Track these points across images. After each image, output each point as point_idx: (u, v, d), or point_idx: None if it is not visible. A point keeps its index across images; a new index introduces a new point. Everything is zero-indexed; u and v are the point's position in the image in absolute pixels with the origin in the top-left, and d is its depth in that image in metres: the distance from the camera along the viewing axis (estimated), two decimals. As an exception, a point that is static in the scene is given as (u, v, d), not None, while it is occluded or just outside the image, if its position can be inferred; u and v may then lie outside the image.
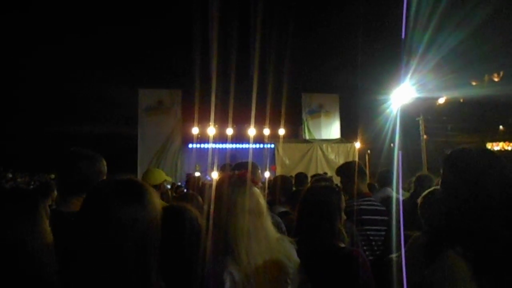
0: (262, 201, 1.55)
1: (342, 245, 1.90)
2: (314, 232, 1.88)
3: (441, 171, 1.46)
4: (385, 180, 4.04)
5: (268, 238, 1.50)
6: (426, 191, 2.18)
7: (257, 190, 1.56)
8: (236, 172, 1.67)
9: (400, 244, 1.87)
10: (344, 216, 2.00)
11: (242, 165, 3.59)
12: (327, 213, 1.90)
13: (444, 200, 1.44)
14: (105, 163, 1.87)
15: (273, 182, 3.44)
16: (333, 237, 1.87)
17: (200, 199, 2.62)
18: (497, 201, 1.27)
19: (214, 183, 1.62)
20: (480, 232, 1.24)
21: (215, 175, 7.75)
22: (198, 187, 3.79)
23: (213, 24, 9.12)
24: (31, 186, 9.75)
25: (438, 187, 2.13)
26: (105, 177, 1.88)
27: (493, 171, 1.33)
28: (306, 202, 1.99)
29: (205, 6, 8.93)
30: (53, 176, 12.00)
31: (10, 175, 12.64)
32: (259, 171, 2.79)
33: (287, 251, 1.56)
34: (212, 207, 1.52)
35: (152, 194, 1.16)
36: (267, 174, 10.21)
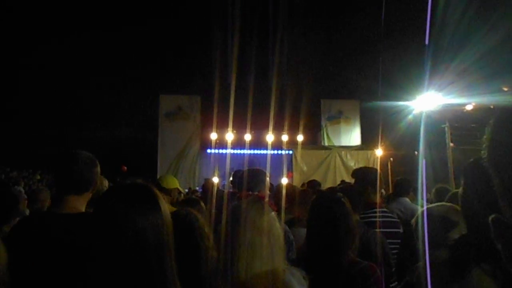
0: (277, 225, 1.49)
1: (357, 259, 1.81)
2: (323, 247, 1.80)
3: (461, 181, 1.36)
4: (401, 189, 3.79)
5: (274, 264, 1.42)
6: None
7: (273, 215, 1.50)
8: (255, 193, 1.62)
9: (417, 259, 1.74)
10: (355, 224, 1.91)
11: (240, 173, 3.53)
12: (333, 226, 1.82)
13: (464, 212, 1.34)
14: (99, 166, 1.86)
15: (276, 190, 3.35)
16: (344, 250, 1.79)
17: (203, 204, 2.61)
18: None
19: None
20: (505, 249, 1.11)
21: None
22: (212, 192, 3.76)
23: (232, 31, 9.14)
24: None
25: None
26: (98, 180, 1.88)
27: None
28: (312, 215, 1.93)
29: (225, 13, 8.97)
30: (38, 177, 12.25)
31: (39, 177, 13.00)
32: (265, 179, 2.73)
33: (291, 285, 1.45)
34: (224, 221, 1.48)
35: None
36: (284, 181, 10.06)
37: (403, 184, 3.83)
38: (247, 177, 2.68)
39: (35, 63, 13.46)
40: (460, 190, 1.38)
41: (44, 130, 15.00)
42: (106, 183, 2.98)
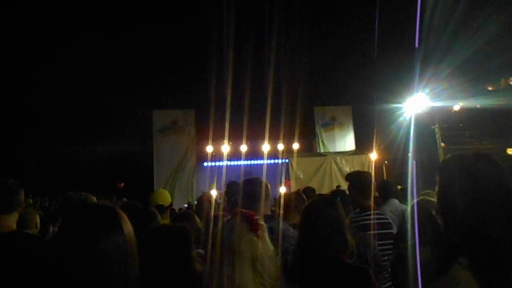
0: (258, 246, 1.50)
1: (348, 260, 1.84)
2: (314, 247, 1.83)
3: (437, 178, 1.38)
4: (389, 191, 3.90)
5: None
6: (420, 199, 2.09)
7: (254, 238, 1.51)
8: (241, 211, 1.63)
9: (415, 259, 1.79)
10: (346, 227, 1.93)
11: (234, 185, 3.57)
12: (324, 226, 1.85)
13: (440, 210, 1.36)
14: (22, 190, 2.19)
15: (287, 198, 3.42)
16: (334, 251, 1.82)
17: (197, 219, 2.63)
18: (494, 208, 1.20)
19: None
20: (480, 242, 1.17)
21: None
22: (209, 206, 3.78)
23: (225, 42, 9.28)
24: (52, 208, 9.87)
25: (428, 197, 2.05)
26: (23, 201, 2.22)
27: (488, 175, 1.25)
28: (303, 218, 1.97)
29: (218, 23, 9.11)
30: (30, 201, 12.06)
31: (30, 201, 12.77)
32: (266, 188, 2.73)
33: None
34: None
35: (125, 218, 1.21)
36: (282, 190, 10.13)
37: (389, 186, 3.96)
38: (242, 192, 2.65)
39: (25, 79, 13.40)
40: (436, 188, 1.39)
41: (36, 147, 14.86)
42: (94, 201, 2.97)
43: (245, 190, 2.66)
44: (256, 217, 1.57)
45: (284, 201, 3.19)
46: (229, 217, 1.63)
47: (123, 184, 14.33)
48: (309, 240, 1.88)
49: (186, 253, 1.64)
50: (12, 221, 2.05)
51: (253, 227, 1.52)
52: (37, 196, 12.81)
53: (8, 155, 14.09)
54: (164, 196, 3.60)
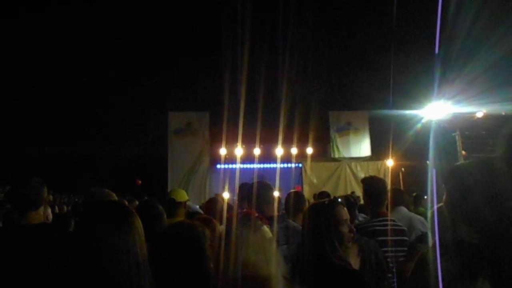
0: (268, 237, 1.59)
1: (343, 263, 1.87)
2: (314, 249, 1.88)
3: (445, 186, 1.37)
4: (395, 199, 3.84)
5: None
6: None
7: (264, 228, 1.60)
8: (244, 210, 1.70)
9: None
10: (345, 232, 1.95)
11: (248, 186, 3.59)
12: (314, 230, 1.91)
13: (461, 219, 1.31)
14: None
15: (287, 199, 3.42)
16: (331, 254, 1.84)
17: (217, 223, 2.63)
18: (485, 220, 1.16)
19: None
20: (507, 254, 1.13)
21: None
22: (220, 207, 3.79)
23: (240, 45, 9.27)
24: (69, 207, 10.08)
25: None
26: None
27: (480, 184, 1.21)
28: (302, 221, 2.06)
29: (233, 27, 9.11)
30: (51, 197, 12.40)
31: (51, 197, 13.11)
32: (270, 193, 2.84)
33: None
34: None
35: (136, 216, 1.26)
36: None
37: (398, 194, 3.98)
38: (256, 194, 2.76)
39: (43, 82, 13.77)
40: (444, 196, 1.37)
41: (55, 148, 15.22)
42: (114, 198, 3.05)
43: (257, 192, 2.79)
44: (256, 215, 1.62)
45: (285, 202, 3.26)
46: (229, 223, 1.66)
47: (140, 181, 14.52)
48: (303, 242, 1.98)
49: (199, 251, 1.63)
50: (40, 214, 2.32)
51: (261, 220, 1.59)
52: (57, 193, 13.15)
53: (31, 156, 14.52)
54: (179, 194, 3.70)
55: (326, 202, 2.14)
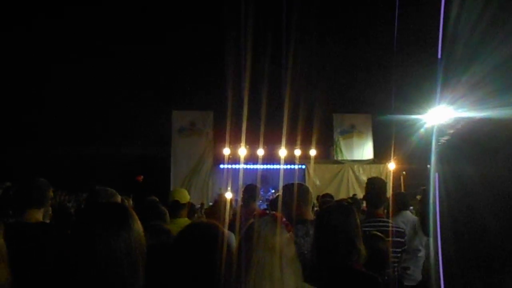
0: (292, 246, 1.52)
1: (363, 269, 1.84)
2: (329, 254, 1.84)
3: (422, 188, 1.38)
4: (400, 203, 3.98)
5: (284, 285, 1.43)
6: None
7: (288, 236, 1.53)
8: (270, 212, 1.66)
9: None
10: (358, 235, 1.93)
11: (251, 188, 3.59)
12: (333, 232, 1.86)
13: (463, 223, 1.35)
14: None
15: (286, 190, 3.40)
16: (350, 259, 1.82)
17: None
18: None
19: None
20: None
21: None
22: (224, 207, 3.80)
23: (244, 46, 9.34)
24: (70, 204, 10.17)
25: None
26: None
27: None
28: (316, 222, 2.00)
29: (237, 28, 9.18)
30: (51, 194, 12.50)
31: (52, 194, 13.19)
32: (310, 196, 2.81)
33: None
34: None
35: (135, 218, 1.24)
36: None
37: (403, 198, 4.10)
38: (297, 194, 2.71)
39: (49, 83, 13.86)
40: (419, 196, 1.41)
41: (56, 148, 15.31)
42: (118, 198, 3.06)
43: (283, 195, 2.80)
44: (284, 219, 1.59)
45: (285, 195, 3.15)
46: (252, 220, 1.63)
47: (142, 177, 14.55)
48: (319, 246, 1.90)
49: (211, 253, 1.57)
50: (40, 214, 2.33)
51: (287, 227, 1.54)
52: (58, 191, 13.27)
53: (35, 156, 14.65)
54: (182, 194, 3.65)
55: (347, 202, 2.15)
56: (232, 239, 2.01)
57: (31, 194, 2.31)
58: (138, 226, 1.22)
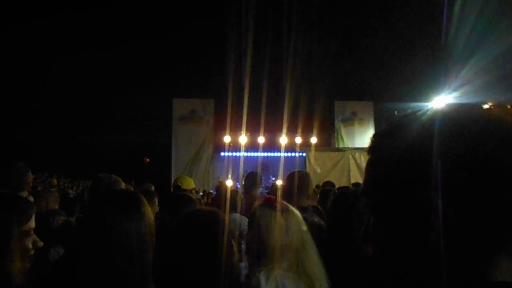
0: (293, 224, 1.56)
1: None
2: (344, 240, 1.87)
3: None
4: None
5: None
6: None
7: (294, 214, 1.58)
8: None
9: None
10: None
11: (252, 175, 3.56)
12: (349, 219, 1.89)
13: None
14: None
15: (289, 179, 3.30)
16: (357, 243, 1.83)
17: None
18: None
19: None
20: None
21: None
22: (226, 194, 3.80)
23: (245, 33, 9.21)
24: (72, 191, 10.22)
25: None
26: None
27: None
28: (332, 209, 2.05)
29: (238, 15, 9.04)
30: (55, 181, 12.62)
31: (55, 181, 13.31)
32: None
33: None
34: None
35: (147, 205, 1.28)
36: (279, 182, 10.08)
37: None
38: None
39: (53, 72, 13.81)
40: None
41: (59, 136, 15.35)
42: (122, 184, 3.04)
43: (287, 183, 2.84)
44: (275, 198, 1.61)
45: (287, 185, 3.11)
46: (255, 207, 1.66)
47: (148, 159, 14.65)
48: (336, 231, 1.94)
49: (216, 240, 1.55)
50: None
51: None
52: (61, 178, 13.34)
53: (39, 144, 14.68)
54: (186, 181, 3.73)
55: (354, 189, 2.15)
56: (245, 223, 2.03)
57: (11, 178, 2.33)
58: (149, 213, 1.27)
